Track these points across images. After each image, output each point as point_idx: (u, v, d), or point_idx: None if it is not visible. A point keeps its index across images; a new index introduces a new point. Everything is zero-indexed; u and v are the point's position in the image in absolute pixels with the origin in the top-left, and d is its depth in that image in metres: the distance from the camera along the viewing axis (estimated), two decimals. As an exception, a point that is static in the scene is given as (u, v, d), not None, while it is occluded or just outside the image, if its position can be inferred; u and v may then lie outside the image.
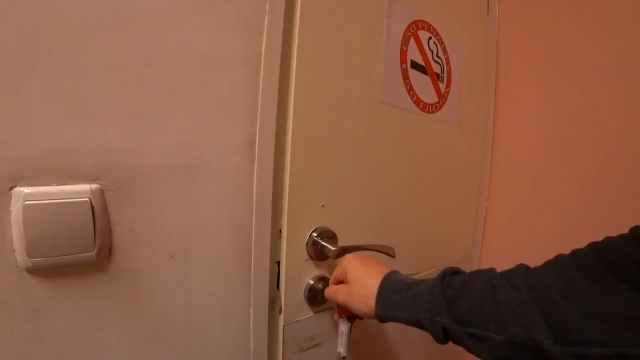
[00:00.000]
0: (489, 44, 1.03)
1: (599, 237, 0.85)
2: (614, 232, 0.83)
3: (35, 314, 0.39)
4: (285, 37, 0.52)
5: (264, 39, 0.50)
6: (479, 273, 0.44)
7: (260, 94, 0.50)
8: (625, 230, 0.79)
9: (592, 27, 0.88)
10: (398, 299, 0.46)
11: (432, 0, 0.80)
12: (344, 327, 0.55)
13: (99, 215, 0.41)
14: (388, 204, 0.73)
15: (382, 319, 0.47)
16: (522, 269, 0.42)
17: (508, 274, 0.41)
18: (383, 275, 0.49)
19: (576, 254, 0.39)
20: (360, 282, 0.50)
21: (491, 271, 0.43)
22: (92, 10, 0.38)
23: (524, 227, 1.01)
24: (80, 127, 0.39)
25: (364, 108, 0.65)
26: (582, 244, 0.87)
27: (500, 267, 1.07)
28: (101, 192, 0.41)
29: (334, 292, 0.53)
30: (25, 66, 0.35)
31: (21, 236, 0.37)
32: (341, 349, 0.56)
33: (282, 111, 0.53)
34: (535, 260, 0.98)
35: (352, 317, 0.55)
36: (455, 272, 0.47)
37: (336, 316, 0.57)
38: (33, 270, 0.38)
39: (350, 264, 0.52)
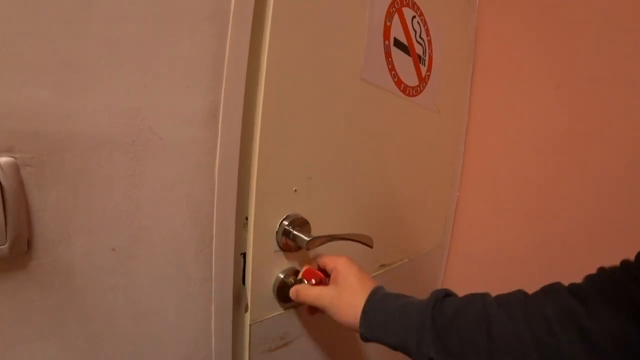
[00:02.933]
0: (468, 31, 1.00)
1: (569, 230, 0.86)
2: (585, 224, 0.84)
3: None
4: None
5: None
6: (473, 299, 0.42)
7: (226, 56, 0.42)
8: (594, 221, 0.79)
9: (568, 23, 0.87)
10: (384, 321, 0.43)
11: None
12: None
13: (12, 197, 0.31)
14: (364, 189, 0.68)
15: (366, 339, 0.44)
16: (520, 295, 0.40)
17: (505, 301, 0.40)
18: (371, 290, 0.46)
19: (574, 286, 0.38)
20: (352, 289, 0.46)
21: (486, 298, 0.41)
22: None
23: (493, 218, 1.01)
24: None
25: (343, 83, 0.58)
26: (551, 235, 0.88)
27: (469, 257, 1.08)
28: (15, 168, 0.31)
29: (317, 294, 0.48)
30: None
31: None
32: None
33: (252, 78, 0.46)
34: (504, 251, 0.99)
35: None
36: (447, 294, 0.44)
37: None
38: None
39: (347, 267, 0.49)
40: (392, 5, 0.68)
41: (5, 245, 0.31)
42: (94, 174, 0.36)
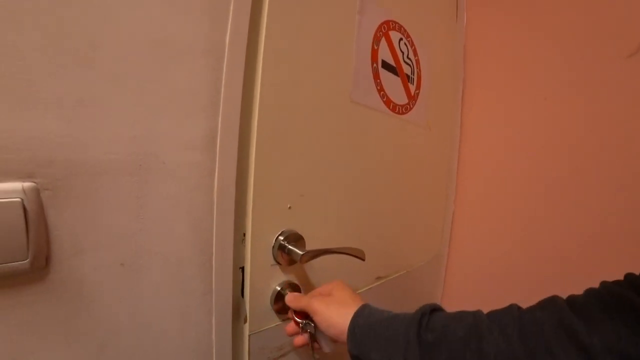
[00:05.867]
0: (456, 49, 1.05)
1: (562, 237, 0.88)
2: (577, 232, 0.86)
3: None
4: (252, 27, 0.49)
5: (229, 27, 0.46)
6: (463, 314, 0.40)
7: (223, 87, 0.46)
8: (591, 230, 0.81)
9: (553, 37, 0.91)
10: (370, 335, 0.42)
11: (403, 1, 0.80)
12: (310, 328, 0.50)
13: (34, 218, 0.35)
14: (357, 205, 0.71)
15: (352, 355, 0.44)
16: (514, 310, 0.38)
17: (497, 318, 0.38)
18: (359, 306, 0.46)
19: (573, 299, 0.36)
20: (342, 300, 0.48)
21: (477, 314, 0.39)
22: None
23: (489, 227, 1.03)
24: (10, 115, 0.34)
25: (333, 106, 0.63)
26: (545, 242, 0.90)
27: (467, 266, 1.10)
28: (36, 192, 0.36)
29: (307, 299, 0.50)
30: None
31: None
32: (327, 347, 0.51)
33: (246, 106, 0.50)
34: (502, 262, 1.01)
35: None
36: (434, 309, 0.43)
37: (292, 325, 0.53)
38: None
39: (342, 284, 0.52)
40: (379, 29, 0.73)
41: (27, 260, 0.35)
42: (104, 196, 0.39)
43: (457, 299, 1.11)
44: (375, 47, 0.72)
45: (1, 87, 0.33)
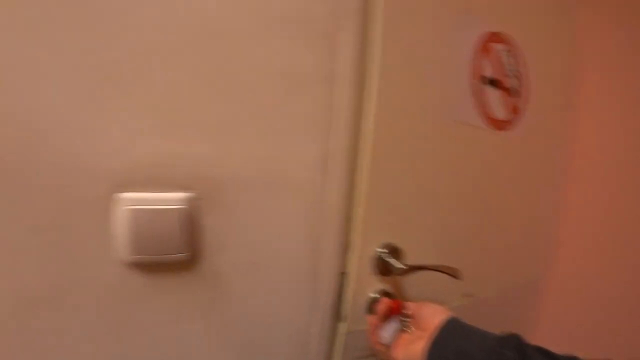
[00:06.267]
0: (568, 55, 0.96)
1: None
2: None
3: (133, 301, 0.44)
4: (363, 56, 0.53)
5: (341, 56, 0.51)
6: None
7: (336, 111, 0.52)
8: None
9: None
10: (463, 331, 0.44)
11: (509, 11, 0.77)
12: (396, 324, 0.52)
13: (191, 221, 0.45)
14: (456, 222, 0.71)
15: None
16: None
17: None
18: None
19: None
20: (434, 308, 0.49)
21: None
22: (183, 29, 0.41)
23: (598, 256, 0.93)
24: (175, 140, 0.43)
25: (436, 126, 0.64)
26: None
27: (565, 296, 0.99)
28: (193, 201, 0.45)
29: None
30: (129, 82, 0.40)
31: (125, 236, 0.42)
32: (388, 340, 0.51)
33: (358, 129, 0.55)
34: (605, 296, 0.89)
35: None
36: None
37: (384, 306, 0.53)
38: (133, 266, 0.43)
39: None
40: (480, 43, 0.71)
41: (185, 253, 0.45)
42: (242, 206, 0.48)
43: (549, 327, 1.02)
44: (477, 63, 0.71)
45: (164, 118, 0.42)
